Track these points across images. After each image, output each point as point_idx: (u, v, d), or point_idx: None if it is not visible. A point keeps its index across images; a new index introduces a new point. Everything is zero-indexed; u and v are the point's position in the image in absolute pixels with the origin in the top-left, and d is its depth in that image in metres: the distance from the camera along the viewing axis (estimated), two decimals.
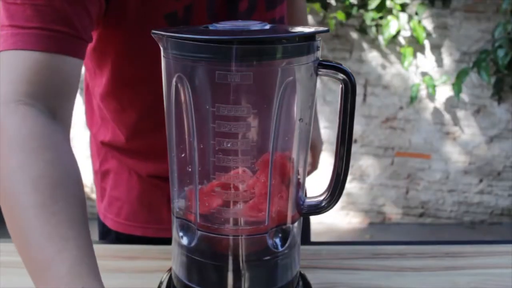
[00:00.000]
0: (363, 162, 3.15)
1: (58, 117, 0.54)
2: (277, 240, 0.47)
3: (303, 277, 0.55)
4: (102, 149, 0.83)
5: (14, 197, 0.45)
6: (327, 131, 3.04)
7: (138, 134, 0.76)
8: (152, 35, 0.45)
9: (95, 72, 0.72)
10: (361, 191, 3.18)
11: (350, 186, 3.14)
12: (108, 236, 0.85)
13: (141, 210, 0.80)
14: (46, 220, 0.44)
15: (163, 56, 0.45)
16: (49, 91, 0.54)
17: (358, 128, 3.11)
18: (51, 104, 0.54)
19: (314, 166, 1.12)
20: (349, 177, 3.15)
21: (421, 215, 3.21)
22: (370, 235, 3.03)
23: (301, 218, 0.51)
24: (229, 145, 0.43)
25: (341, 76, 0.46)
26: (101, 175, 0.85)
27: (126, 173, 0.81)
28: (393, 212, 3.21)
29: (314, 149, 1.09)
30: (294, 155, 0.47)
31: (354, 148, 3.12)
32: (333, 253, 0.73)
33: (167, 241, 0.67)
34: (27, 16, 0.52)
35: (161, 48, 0.45)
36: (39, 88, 0.53)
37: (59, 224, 0.44)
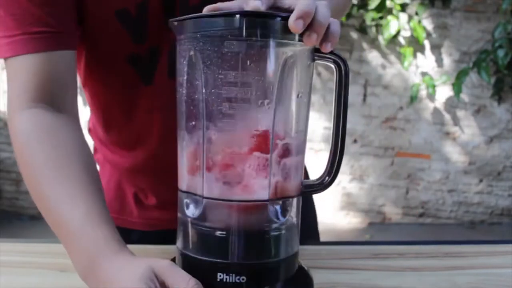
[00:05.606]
0: (363, 162, 3.14)
1: (62, 108, 0.63)
2: (278, 209, 0.51)
3: (305, 271, 0.56)
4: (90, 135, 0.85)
5: (32, 176, 0.60)
6: (328, 131, 3.04)
7: (109, 125, 0.78)
8: (169, 24, 0.50)
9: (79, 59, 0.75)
10: (361, 191, 3.17)
11: (350, 186, 3.13)
12: None
13: (114, 200, 0.83)
14: (54, 188, 0.57)
15: (178, 43, 0.50)
16: (48, 90, 0.62)
17: (358, 128, 3.11)
18: (53, 100, 0.63)
19: None
20: (349, 177, 3.15)
21: (421, 215, 3.21)
22: (370, 235, 3.03)
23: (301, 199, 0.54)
24: (235, 109, 0.47)
25: (334, 59, 0.51)
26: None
27: (107, 164, 0.84)
28: (393, 212, 3.21)
29: None
30: (293, 130, 0.51)
31: (354, 148, 3.12)
32: (333, 253, 0.73)
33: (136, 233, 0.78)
34: (8, 26, 0.60)
35: (176, 37, 0.50)
36: (38, 91, 0.62)
37: (65, 190, 0.56)
